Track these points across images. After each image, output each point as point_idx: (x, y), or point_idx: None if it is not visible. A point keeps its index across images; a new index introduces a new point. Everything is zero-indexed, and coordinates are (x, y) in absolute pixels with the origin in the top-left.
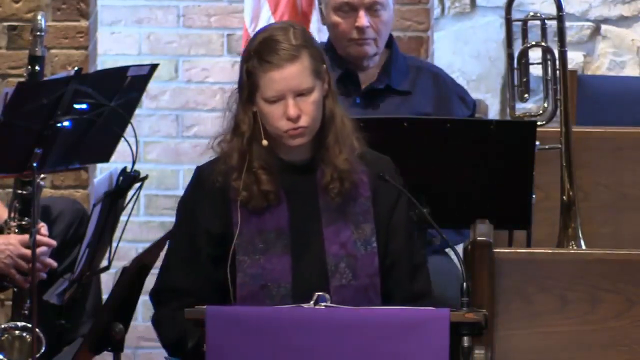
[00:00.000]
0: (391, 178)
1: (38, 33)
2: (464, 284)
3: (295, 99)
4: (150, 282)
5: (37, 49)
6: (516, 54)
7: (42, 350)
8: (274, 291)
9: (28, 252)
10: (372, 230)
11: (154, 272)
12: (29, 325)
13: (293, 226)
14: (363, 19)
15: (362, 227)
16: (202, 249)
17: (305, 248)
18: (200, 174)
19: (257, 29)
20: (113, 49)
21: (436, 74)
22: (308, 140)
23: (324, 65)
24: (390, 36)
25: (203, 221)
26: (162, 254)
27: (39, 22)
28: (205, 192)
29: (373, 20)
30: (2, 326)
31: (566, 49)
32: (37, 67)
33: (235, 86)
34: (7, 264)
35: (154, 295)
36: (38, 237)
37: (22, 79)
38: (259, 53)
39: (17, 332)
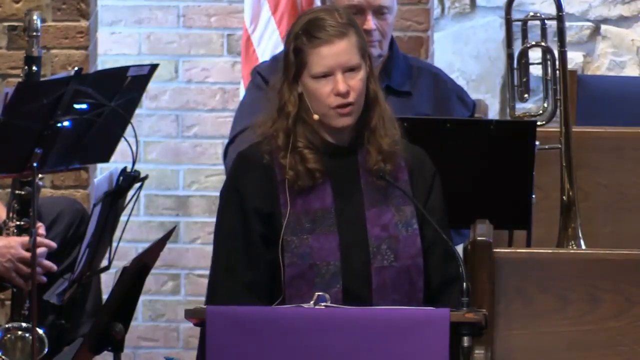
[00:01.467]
0: (427, 166)
1: (34, 33)
2: (464, 284)
3: (344, 74)
4: (150, 282)
5: (33, 49)
6: (516, 54)
7: (45, 352)
8: (324, 269)
9: (29, 255)
10: (412, 212)
11: (154, 272)
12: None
13: (337, 206)
14: (370, 22)
15: (402, 209)
16: (253, 230)
17: (349, 228)
18: (244, 156)
19: (257, 29)
20: (113, 49)
21: (436, 74)
22: (354, 121)
23: (367, 46)
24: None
25: (252, 201)
26: (162, 253)
27: (35, 22)
28: (251, 173)
29: (379, 23)
30: (6, 326)
31: (566, 49)
32: (34, 68)
33: (234, 85)
34: (8, 267)
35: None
36: (38, 238)
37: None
38: (307, 31)
39: (19, 332)
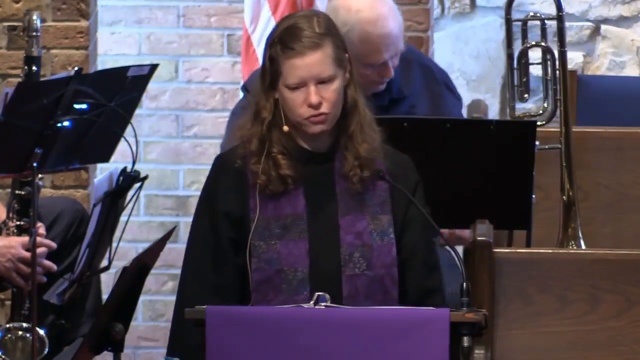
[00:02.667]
0: (410, 175)
1: (34, 33)
2: (464, 284)
3: (316, 86)
4: (150, 282)
5: (33, 49)
6: (516, 54)
7: (45, 352)
8: (291, 275)
9: (29, 255)
10: (390, 221)
11: (154, 272)
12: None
13: (309, 213)
14: (391, 71)
15: (379, 217)
16: (223, 234)
17: (321, 235)
18: (220, 160)
19: (257, 29)
20: (113, 49)
21: (425, 65)
22: (328, 128)
23: (347, 55)
24: None
25: (223, 205)
26: (162, 253)
27: (35, 22)
28: (224, 177)
29: (393, 62)
30: (6, 326)
31: (566, 49)
32: (33, 68)
33: (233, 85)
34: (8, 267)
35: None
36: (38, 238)
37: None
38: (282, 40)
39: (20, 332)
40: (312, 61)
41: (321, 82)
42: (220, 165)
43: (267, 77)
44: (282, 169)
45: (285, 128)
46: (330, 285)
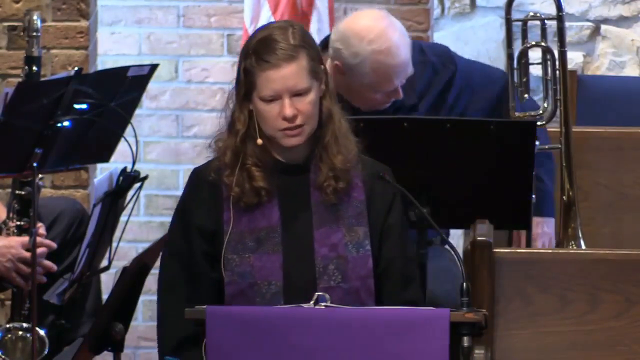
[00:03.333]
0: (388, 186)
1: (34, 33)
2: (464, 284)
3: (291, 98)
4: (150, 282)
5: (33, 49)
6: (516, 54)
7: (45, 352)
8: (264, 289)
9: (29, 255)
10: (366, 233)
11: (154, 272)
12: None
13: (284, 225)
14: (400, 93)
15: (354, 229)
16: (196, 247)
17: (296, 248)
18: (195, 173)
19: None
20: (113, 49)
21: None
22: (303, 141)
23: (322, 66)
24: None
25: (196, 219)
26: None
27: (35, 22)
28: (198, 190)
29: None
30: (7, 326)
31: (566, 49)
32: (34, 68)
33: (233, 85)
34: (8, 267)
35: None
36: (38, 238)
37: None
38: (257, 52)
39: (20, 332)
40: (287, 73)
41: (296, 94)
42: (195, 179)
43: (242, 89)
44: (256, 181)
45: (259, 141)
46: (305, 297)
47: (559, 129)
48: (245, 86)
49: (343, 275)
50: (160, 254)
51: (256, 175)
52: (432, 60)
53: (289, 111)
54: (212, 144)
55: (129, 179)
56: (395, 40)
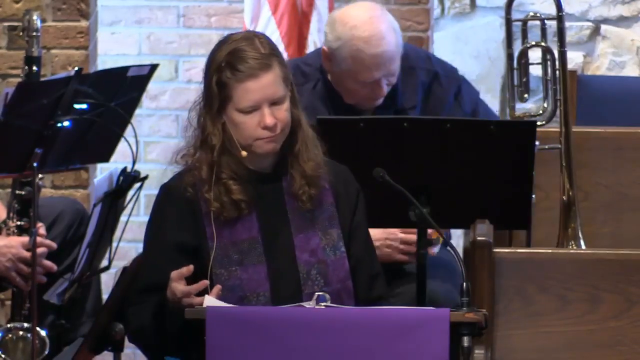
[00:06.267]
0: (351, 185)
1: (34, 33)
2: (464, 284)
3: (270, 107)
4: None
5: (33, 49)
6: (516, 54)
7: (46, 352)
8: (254, 301)
9: (29, 255)
10: (339, 234)
11: None
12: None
13: (264, 235)
14: (384, 90)
15: (329, 232)
16: (177, 265)
17: (278, 256)
18: (168, 190)
19: (257, 29)
20: (113, 49)
21: (434, 74)
22: (279, 147)
23: (289, 73)
24: None
25: (175, 236)
26: None
27: (35, 22)
28: (173, 207)
29: (388, 80)
30: (8, 326)
31: (566, 49)
32: (34, 68)
33: (197, 102)
34: (8, 267)
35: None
36: (38, 238)
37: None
38: (231, 64)
39: (20, 332)
40: (266, 83)
41: (274, 103)
42: (168, 195)
43: (215, 103)
44: (235, 194)
45: (244, 153)
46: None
47: (559, 129)
48: (219, 100)
49: (325, 280)
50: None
51: (234, 189)
52: (437, 70)
53: (270, 120)
54: (178, 159)
55: (129, 179)
56: (380, 31)
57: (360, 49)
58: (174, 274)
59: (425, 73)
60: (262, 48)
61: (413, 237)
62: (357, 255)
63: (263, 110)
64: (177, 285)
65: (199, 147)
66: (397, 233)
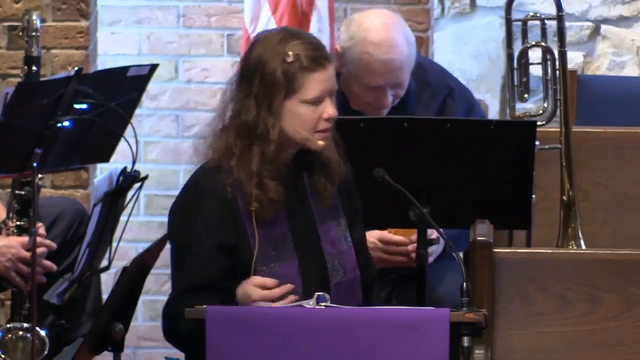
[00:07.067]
0: (349, 177)
1: (33, 33)
2: (464, 284)
3: (329, 99)
4: (150, 282)
5: (32, 49)
6: (516, 54)
7: (45, 352)
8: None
9: (29, 255)
10: (345, 223)
11: (154, 272)
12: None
13: (292, 229)
14: (388, 99)
15: (339, 221)
16: (218, 267)
17: (307, 249)
18: (204, 191)
19: (257, 29)
20: (113, 49)
21: (449, 90)
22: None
23: None
24: None
25: (219, 237)
26: (162, 253)
27: (34, 22)
28: (215, 208)
29: (395, 91)
30: (7, 326)
31: (566, 49)
32: (33, 68)
33: (244, 98)
34: (8, 267)
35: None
36: (38, 238)
37: (19, 80)
38: (299, 54)
39: (20, 332)
40: (331, 74)
41: (331, 95)
42: (205, 196)
43: (279, 95)
44: (272, 193)
45: (321, 143)
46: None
47: (559, 129)
48: (285, 91)
49: (344, 269)
50: (163, 253)
51: (273, 188)
52: (452, 87)
53: (333, 111)
54: (216, 156)
55: (129, 179)
56: (392, 38)
57: (369, 52)
58: (257, 280)
59: (440, 88)
60: (317, 41)
61: (392, 236)
62: (358, 241)
63: (326, 101)
64: (256, 289)
65: (246, 143)
66: (376, 242)
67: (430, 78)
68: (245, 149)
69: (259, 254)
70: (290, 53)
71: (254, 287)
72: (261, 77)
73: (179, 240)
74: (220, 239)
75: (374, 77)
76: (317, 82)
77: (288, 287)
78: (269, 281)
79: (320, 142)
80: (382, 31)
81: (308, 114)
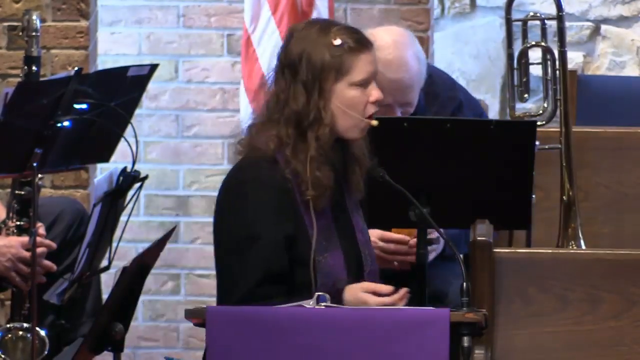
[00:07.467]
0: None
1: (33, 33)
2: (464, 284)
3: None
4: (150, 282)
5: (32, 49)
6: (516, 54)
7: (45, 352)
8: (338, 285)
9: (29, 255)
10: (362, 212)
11: (154, 272)
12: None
13: (335, 219)
14: (394, 114)
15: (360, 212)
16: (284, 259)
17: (346, 239)
18: (261, 182)
19: (257, 29)
20: (113, 49)
21: (458, 103)
22: None
23: None
24: None
25: (284, 228)
26: (162, 253)
27: (34, 22)
28: (274, 198)
29: (404, 109)
30: (7, 326)
31: (566, 49)
32: (33, 68)
33: (288, 88)
34: (8, 267)
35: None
36: (38, 238)
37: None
38: (344, 38)
39: (20, 332)
40: (374, 57)
41: (375, 78)
42: (264, 187)
43: (330, 80)
44: (327, 179)
45: (374, 122)
46: None
47: (559, 129)
48: (335, 74)
49: (371, 259)
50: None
51: (326, 174)
52: (461, 99)
53: (380, 94)
54: (272, 147)
55: (129, 179)
56: (402, 57)
57: (380, 72)
58: (369, 286)
59: (449, 101)
60: (354, 27)
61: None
62: (365, 230)
63: (372, 84)
64: (371, 296)
65: (299, 134)
66: (376, 240)
67: (439, 90)
68: (298, 137)
69: (316, 244)
70: (336, 37)
71: (367, 294)
72: (308, 63)
73: (242, 233)
74: (285, 230)
75: (383, 95)
76: (364, 64)
77: (404, 291)
78: (383, 287)
79: (374, 122)
80: (392, 50)
81: (357, 97)
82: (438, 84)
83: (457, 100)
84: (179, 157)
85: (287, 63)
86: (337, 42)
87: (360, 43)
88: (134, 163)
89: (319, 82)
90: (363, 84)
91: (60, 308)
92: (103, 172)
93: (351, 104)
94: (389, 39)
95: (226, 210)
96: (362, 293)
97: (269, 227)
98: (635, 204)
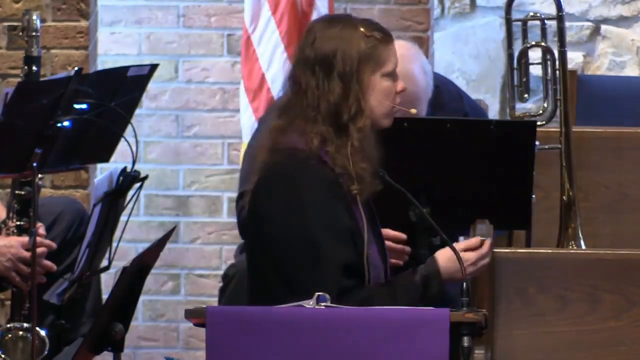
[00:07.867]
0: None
1: (33, 33)
2: (464, 284)
3: None
4: (150, 282)
5: (32, 49)
6: (516, 54)
7: (45, 352)
8: (379, 278)
9: (29, 255)
10: None
11: (154, 272)
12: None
13: (366, 214)
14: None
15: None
16: (355, 253)
17: (375, 235)
18: (319, 176)
19: (257, 29)
20: (113, 49)
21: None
22: None
23: None
24: None
25: (348, 220)
26: (162, 253)
27: (34, 22)
28: (334, 194)
29: None
30: (7, 326)
31: (566, 49)
32: (33, 68)
33: (321, 85)
34: (8, 267)
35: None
36: (38, 238)
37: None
38: (374, 29)
39: (20, 332)
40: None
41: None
42: (322, 183)
43: (367, 69)
44: (368, 173)
45: (413, 111)
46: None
47: (559, 129)
48: (371, 66)
49: (388, 252)
50: (163, 253)
51: (367, 169)
52: (467, 111)
53: (403, 84)
54: (315, 148)
55: (129, 179)
56: (408, 70)
57: None
58: (463, 244)
59: (455, 113)
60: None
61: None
62: None
63: (396, 74)
64: (468, 253)
65: (338, 128)
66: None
67: (445, 101)
68: (340, 132)
69: (367, 237)
70: (365, 29)
71: (467, 252)
72: (344, 56)
73: (313, 231)
74: (350, 222)
75: None
76: (393, 54)
77: (489, 242)
78: (472, 242)
79: (413, 111)
80: (399, 62)
81: (390, 87)
82: (444, 95)
83: (463, 111)
84: (179, 157)
85: (318, 60)
86: (369, 33)
87: (386, 34)
88: (134, 163)
89: (357, 73)
90: (392, 74)
91: (60, 308)
92: (103, 172)
93: (387, 94)
94: (401, 51)
95: (286, 213)
96: (462, 253)
97: (335, 222)
98: (635, 204)
